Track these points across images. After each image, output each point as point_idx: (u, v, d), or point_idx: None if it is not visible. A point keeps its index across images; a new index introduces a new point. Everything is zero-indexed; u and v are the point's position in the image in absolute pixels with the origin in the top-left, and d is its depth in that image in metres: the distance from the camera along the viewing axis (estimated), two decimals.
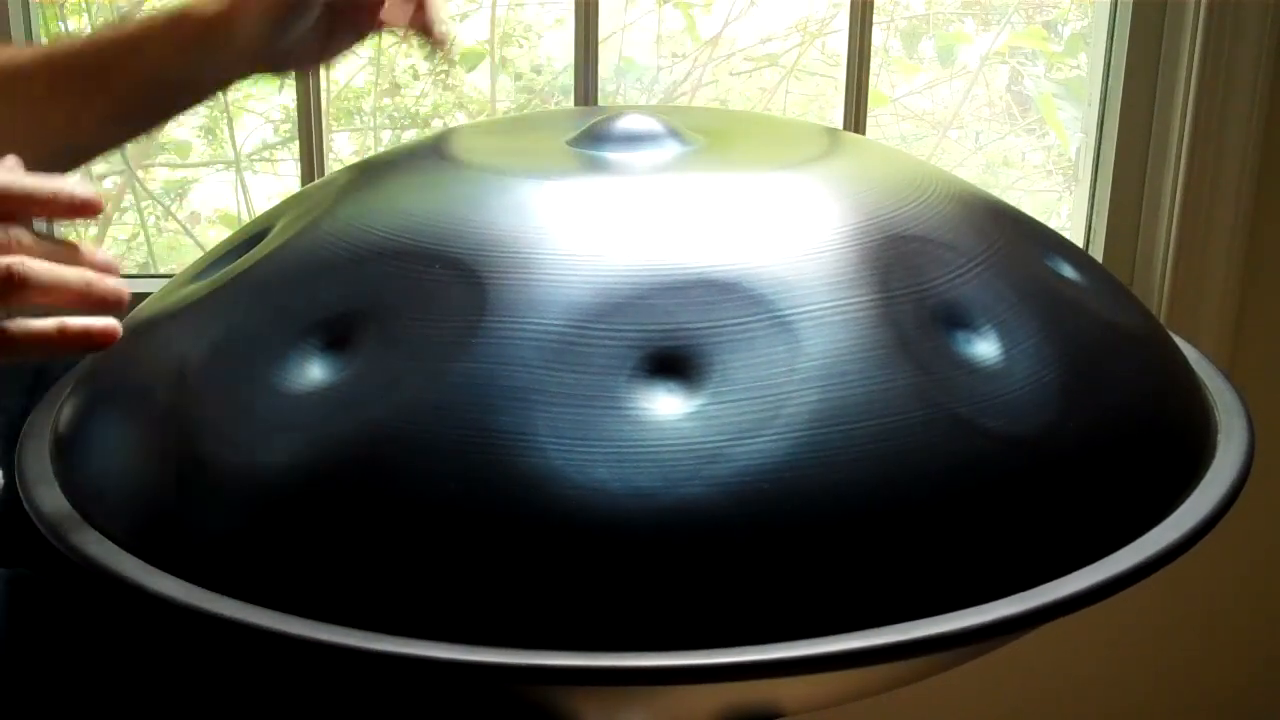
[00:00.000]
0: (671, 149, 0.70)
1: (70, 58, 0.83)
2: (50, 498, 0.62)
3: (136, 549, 0.58)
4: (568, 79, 1.31)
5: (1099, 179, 1.27)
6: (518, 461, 0.54)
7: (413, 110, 1.46)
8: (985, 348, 0.60)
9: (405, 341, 0.58)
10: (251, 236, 0.71)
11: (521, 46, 1.46)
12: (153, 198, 1.47)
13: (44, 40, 1.21)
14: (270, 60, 0.86)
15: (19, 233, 0.57)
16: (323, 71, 1.19)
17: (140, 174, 1.45)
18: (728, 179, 0.68)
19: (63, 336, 0.57)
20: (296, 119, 1.20)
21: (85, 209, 0.59)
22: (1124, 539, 0.58)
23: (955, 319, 0.60)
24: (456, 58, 1.28)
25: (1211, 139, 1.21)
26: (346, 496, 0.55)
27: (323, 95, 1.20)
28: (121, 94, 0.84)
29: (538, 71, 1.47)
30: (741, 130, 0.79)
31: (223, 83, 0.88)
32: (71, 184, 0.59)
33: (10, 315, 0.58)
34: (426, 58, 0.94)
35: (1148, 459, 0.62)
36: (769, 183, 0.67)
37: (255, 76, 0.88)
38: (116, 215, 1.48)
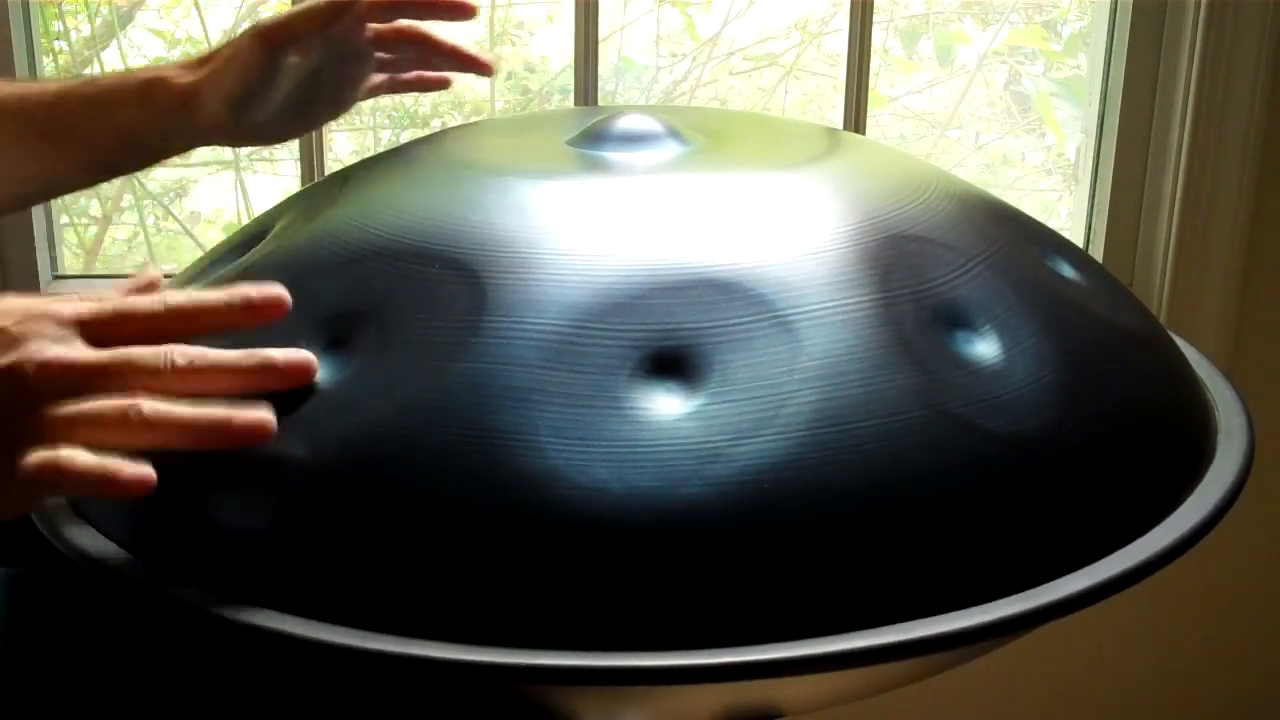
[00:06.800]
0: (671, 149, 0.70)
1: (44, 108, 0.85)
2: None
3: (136, 549, 0.58)
4: (565, 78, 1.31)
5: (1099, 179, 1.27)
6: (518, 461, 0.54)
7: (412, 110, 1.45)
8: (985, 347, 0.60)
9: (405, 341, 0.58)
10: (251, 236, 0.71)
11: (514, 45, 1.46)
12: (152, 197, 1.47)
13: (41, 41, 1.21)
14: (238, 134, 0.88)
15: (173, 352, 0.54)
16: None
17: (139, 174, 1.44)
18: (727, 179, 0.68)
19: (103, 475, 0.52)
20: None
21: (269, 309, 0.56)
22: (1124, 539, 0.58)
23: (955, 319, 0.60)
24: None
25: (1211, 139, 1.21)
26: (345, 496, 0.55)
27: None
28: (94, 148, 0.86)
29: (531, 70, 1.47)
30: (741, 130, 0.79)
31: (191, 147, 0.90)
32: (244, 290, 0.56)
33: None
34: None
35: (1148, 459, 0.62)
36: (769, 183, 0.67)
37: (225, 144, 0.91)
38: (116, 215, 1.48)
